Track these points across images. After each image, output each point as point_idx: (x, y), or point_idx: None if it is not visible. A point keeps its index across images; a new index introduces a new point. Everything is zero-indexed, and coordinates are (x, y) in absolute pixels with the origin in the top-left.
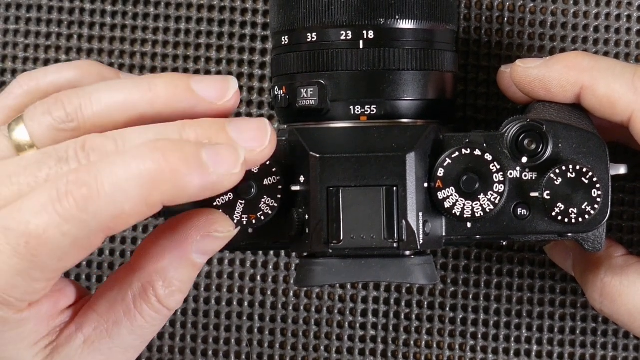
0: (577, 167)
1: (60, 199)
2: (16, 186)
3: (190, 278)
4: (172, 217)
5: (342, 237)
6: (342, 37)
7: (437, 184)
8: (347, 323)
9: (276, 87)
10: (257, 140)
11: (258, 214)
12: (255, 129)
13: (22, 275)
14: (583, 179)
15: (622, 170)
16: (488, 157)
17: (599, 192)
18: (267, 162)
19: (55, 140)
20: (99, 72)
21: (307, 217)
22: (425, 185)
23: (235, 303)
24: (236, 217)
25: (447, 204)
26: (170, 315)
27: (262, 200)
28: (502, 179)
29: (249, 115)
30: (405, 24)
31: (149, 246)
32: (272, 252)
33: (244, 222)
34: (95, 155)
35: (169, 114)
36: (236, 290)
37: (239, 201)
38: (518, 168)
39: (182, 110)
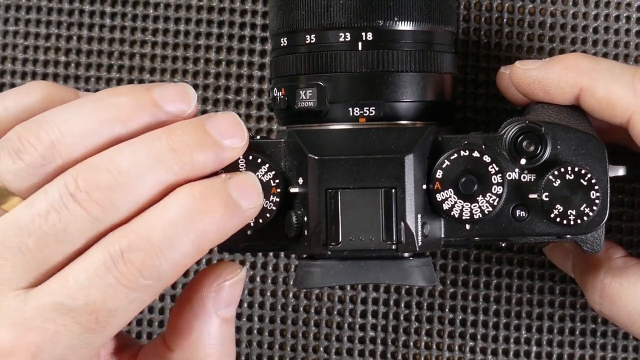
0: (576, 169)
1: (119, 267)
2: (28, 256)
3: (228, 334)
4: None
5: (340, 239)
6: (341, 39)
7: (436, 186)
8: (346, 324)
9: (275, 89)
10: (237, 136)
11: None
12: (232, 126)
13: (89, 347)
14: (582, 180)
15: (620, 171)
16: (487, 158)
17: (598, 194)
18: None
19: (36, 183)
20: (58, 95)
21: (305, 219)
22: (424, 187)
23: None
24: None
25: (445, 206)
26: None
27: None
28: (501, 180)
29: (248, 116)
30: (404, 26)
31: (176, 320)
32: (271, 254)
33: None
34: (95, 192)
35: (140, 131)
36: None
37: None
38: (517, 170)
39: (149, 125)
